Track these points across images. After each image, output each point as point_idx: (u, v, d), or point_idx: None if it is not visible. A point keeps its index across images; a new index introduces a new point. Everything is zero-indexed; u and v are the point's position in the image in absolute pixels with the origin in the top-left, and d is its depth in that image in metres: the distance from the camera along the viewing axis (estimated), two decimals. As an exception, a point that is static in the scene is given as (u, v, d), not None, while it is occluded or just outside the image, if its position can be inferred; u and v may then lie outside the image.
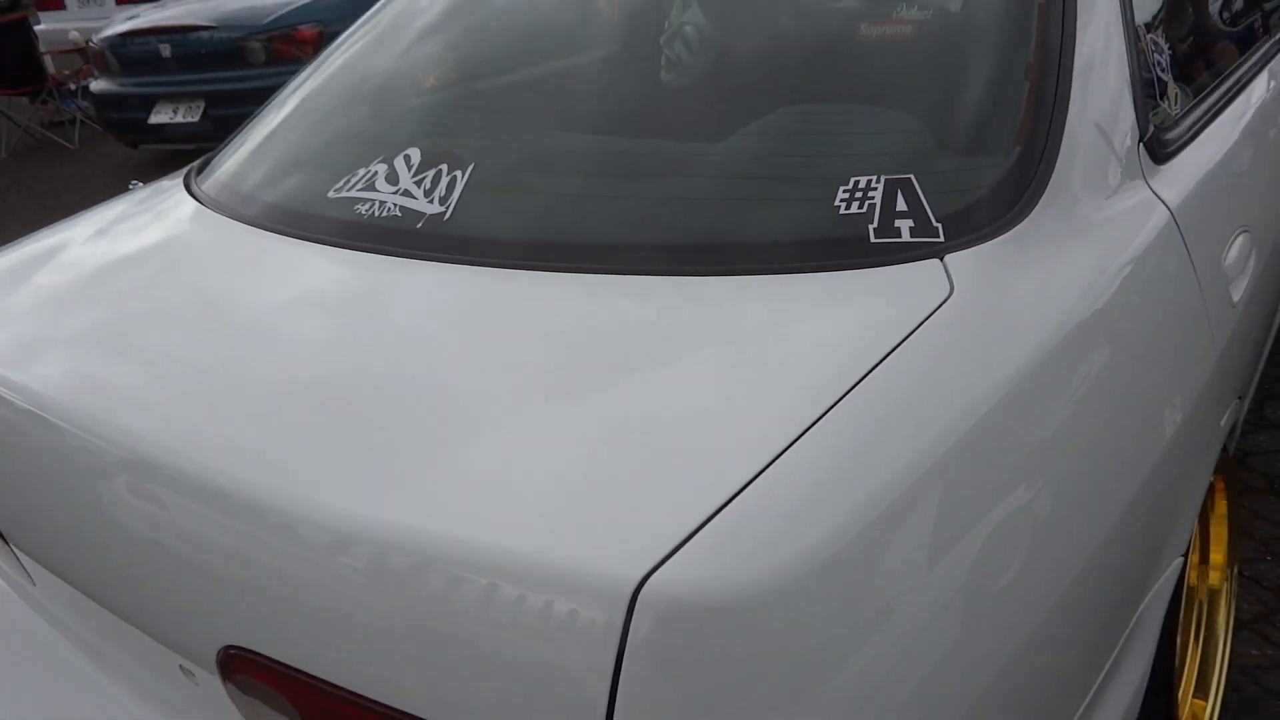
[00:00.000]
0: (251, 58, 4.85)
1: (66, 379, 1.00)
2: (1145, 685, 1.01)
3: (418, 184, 1.19)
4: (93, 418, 0.93)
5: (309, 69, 1.64)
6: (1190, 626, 1.38)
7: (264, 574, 0.79)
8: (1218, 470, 1.31)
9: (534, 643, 0.65)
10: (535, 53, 1.54)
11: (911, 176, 0.99)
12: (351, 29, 1.69)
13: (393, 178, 1.22)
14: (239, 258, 1.19)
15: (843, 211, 0.98)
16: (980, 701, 0.74)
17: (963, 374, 0.81)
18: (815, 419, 0.73)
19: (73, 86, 6.52)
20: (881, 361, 0.79)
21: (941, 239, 0.94)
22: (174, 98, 5.02)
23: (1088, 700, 0.91)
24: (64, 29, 6.71)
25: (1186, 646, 1.36)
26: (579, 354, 0.87)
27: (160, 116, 5.05)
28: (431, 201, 1.16)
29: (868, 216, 0.97)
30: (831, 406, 0.74)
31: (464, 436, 0.79)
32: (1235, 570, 1.43)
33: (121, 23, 5.26)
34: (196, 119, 4.94)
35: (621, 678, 0.63)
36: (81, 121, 6.48)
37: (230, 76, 4.87)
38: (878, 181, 0.99)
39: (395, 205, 1.17)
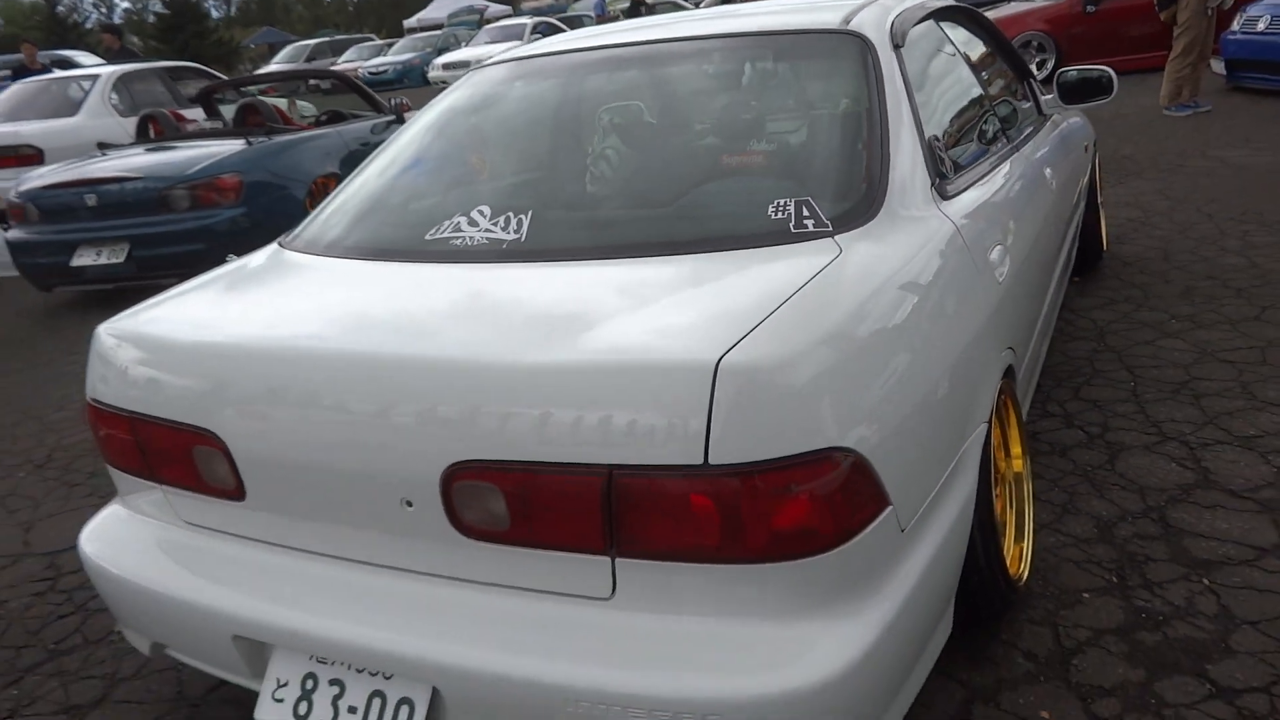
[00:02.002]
0: (175, 204, 5.34)
1: (315, 329, 1.58)
2: (975, 491, 1.69)
3: (494, 224, 1.84)
4: (344, 342, 1.51)
5: (368, 162, 2.29)
6: (1006, 496, 2.09)
7: (482, 406, 1.37)
8: (1005, 392, 2.05)
9: (661, 400, 1.28)
10: (543, 155, 2.30)
11: (810, 199, 1.72)
12: (396, 135, 2.36)
13: (473, 223, 1.86)
14: (381, 273, 1.80)
15: (773, 217, 1.70)
16: (913, 411, 1.43)
17: (851, 288, 1.52)
18: (789, 295, 1.42)
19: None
20: (812, 278, 1.49)
21: (831, 230, 1.67)
22: (97, 242, 5.41)
23: (945, 475, 1.58)
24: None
25: (1006, 508, 2.07)
26: (635, 288, 1.53)
27: (83, 259, 5.41)
28: (508, 232, 1.81)
29: (788, 219, 1.69)
30: (795, 292, 1.44)
31: (585, 320, 1.43)
32: (1029, 459, 2.17)
33: (41, 176, 5.66)
34: (121, 260, 5.34)
35: (713, 414, 1.25)
36: (-25, 273, 6.68)
37: (155, 221, 5.33)
38: (790, 202, 1.72)
39: (482, 237, 1.82)
